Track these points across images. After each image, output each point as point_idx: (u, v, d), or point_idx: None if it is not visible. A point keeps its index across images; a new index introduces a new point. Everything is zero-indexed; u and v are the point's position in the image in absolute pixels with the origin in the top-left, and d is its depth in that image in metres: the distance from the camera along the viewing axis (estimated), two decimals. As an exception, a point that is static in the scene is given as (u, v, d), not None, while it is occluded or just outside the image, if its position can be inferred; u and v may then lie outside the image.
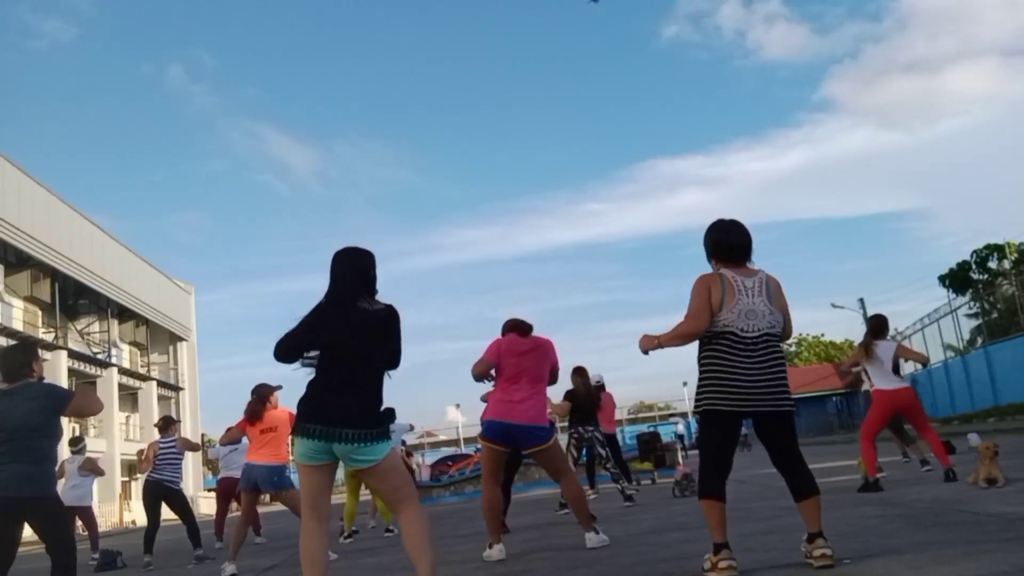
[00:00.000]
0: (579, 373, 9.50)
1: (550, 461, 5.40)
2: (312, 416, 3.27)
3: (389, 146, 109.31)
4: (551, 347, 5.48)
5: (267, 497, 7.88)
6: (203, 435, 43.59)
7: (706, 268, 3.81)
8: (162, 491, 8.65)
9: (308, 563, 3.27)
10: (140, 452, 9.37)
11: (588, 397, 9.38)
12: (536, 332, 5.49)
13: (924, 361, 7.61)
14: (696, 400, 3.67)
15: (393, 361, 3.51)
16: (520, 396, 5.20)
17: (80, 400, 4.14)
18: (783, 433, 3.63)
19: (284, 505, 7.16)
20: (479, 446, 6.34)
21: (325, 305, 3.45)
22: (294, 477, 7.52)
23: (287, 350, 3.42)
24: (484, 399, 5.75)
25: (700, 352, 3.67)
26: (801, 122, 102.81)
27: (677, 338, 3.66)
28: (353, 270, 3.49)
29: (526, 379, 5.25)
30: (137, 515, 32.05)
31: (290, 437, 7.08)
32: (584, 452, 9.67)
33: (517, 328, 5.44)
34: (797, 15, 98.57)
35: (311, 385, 3.36)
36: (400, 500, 3.36)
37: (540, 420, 5.30)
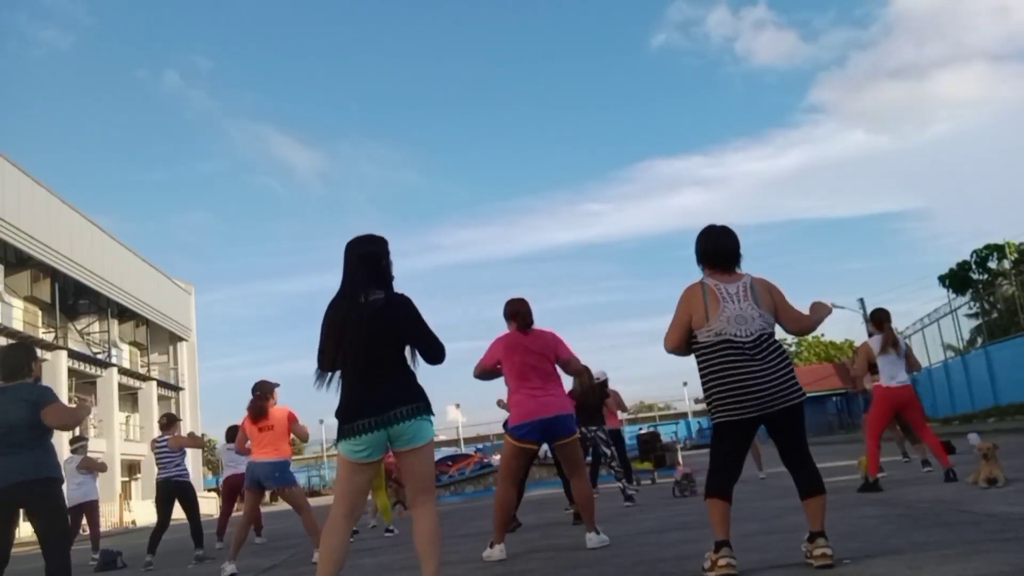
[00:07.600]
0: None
1: (571, 455, 5.39)
2: (359, 413, 3.25)
3: (391, 147, 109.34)
4: (554, 339, 5.38)
5: (268, 497, 7.86)
6: (203, 435, 43.56)
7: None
8: (172, 488, 8.58)
9: (328, 558, 3.25)
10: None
11: (588, 397, 9.37)
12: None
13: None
14: (710, 412, 3.68)
15: (428, 350, 3.45)
16: (541, 390, 5.18)
17: (55, 416, 4.05)
18: (795, 427, 3.63)
19: (287, 502, 7.14)
20: (479, 446, 6.33)
21: (331, 306, 3.44)
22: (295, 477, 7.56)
23: (320, 361, 3.40)
24: (502, 405, 5.70)
25: (701, 362, 3.67)
26: (800, 122, 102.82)
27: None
28: (359, 260, 3.46)
29: (536, 375, 5.21)
30: (137, 515, 32.04)
31: (292, 436, 7.07)
32: (589, 452, 9.67)
33: (516, 318, 5.35)
34: (785, 21, 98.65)
35: (342, 387, 3.35)
36: (422, 491, 3.39)
37: (569, 409, 5.33)
